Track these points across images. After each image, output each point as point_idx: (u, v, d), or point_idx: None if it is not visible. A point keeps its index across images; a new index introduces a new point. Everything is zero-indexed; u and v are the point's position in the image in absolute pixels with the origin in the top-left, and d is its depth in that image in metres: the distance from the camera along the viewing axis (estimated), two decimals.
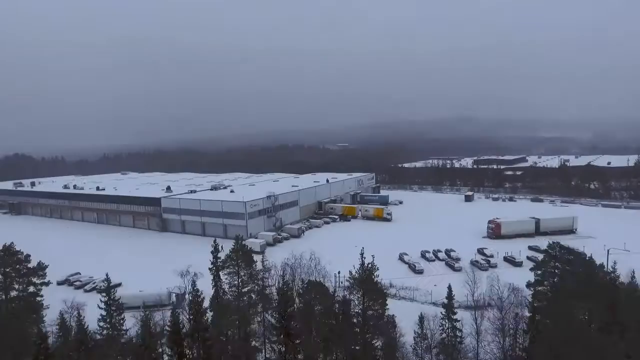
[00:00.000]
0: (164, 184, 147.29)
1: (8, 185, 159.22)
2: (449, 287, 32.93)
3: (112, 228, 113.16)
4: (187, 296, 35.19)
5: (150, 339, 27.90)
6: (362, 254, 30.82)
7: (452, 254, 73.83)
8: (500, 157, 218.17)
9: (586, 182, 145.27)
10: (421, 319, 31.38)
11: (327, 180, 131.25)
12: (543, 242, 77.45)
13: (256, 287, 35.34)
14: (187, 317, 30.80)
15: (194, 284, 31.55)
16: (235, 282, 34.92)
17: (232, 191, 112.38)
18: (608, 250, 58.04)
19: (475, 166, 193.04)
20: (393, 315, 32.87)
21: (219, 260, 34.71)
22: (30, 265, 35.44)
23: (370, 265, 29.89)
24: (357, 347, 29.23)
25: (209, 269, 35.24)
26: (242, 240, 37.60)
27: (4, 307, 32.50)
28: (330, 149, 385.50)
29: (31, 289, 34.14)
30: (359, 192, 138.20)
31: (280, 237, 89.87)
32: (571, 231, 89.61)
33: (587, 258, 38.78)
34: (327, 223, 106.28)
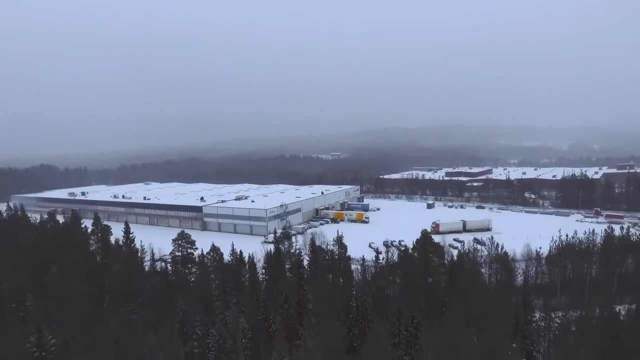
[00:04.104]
0: (191, 194, 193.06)
1: (63, 194, 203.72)
2: (376, 248, 79.23)
3: (163, 228, 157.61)
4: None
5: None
6: (337, 231, 76.90)
7: (402, 242, 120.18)
8: (468, 170, 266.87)
9: (524, 192, 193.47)
10: (363, 259, 77.72)
11: (322, 192, 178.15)
12: (464, 236, 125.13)
13: (290, 247, 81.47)
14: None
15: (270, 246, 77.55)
16: (283, 247, 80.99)
17: (252, 201, 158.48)
18: (482, 238, 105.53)
19: (445, 178, 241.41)
20: (349, 255, 79.66)
21: (277, 236, 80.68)
22: (190, 240, 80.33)
23: (341, 236, 76.02)
24: (337, 272, 74.73)
25: (272, 241, 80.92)
26: (274, 234, 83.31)
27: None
28: (324, 158, 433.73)
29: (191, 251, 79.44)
30: (346, 201, 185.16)
31: (289, 234, 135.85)
32: (488, 229, 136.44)
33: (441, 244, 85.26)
34: (322, 224, 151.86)
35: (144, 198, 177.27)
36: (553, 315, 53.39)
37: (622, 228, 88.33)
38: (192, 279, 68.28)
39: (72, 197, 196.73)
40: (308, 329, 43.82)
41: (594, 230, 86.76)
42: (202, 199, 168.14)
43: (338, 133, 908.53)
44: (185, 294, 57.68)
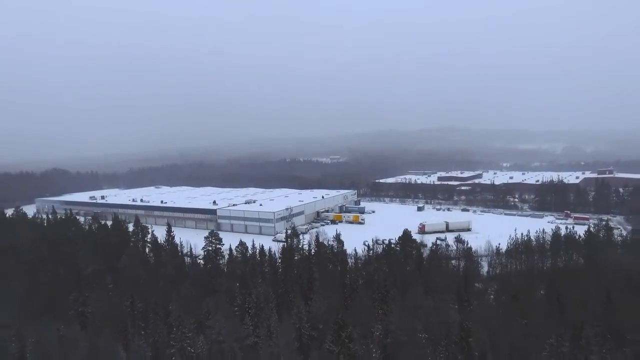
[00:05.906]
0: (202, 197, 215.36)
1: (84, 197, 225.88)
2: (368, 244, 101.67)
3: (179, 229, 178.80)
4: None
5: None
6: (336, 231, 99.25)
7: (391, 241, 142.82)
8: (459, 175, 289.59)
9: (506, 196, 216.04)
10: (355, 251, 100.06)
11: (322, 197, 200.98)
12: (446, 235, 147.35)
13: (299, 243, 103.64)
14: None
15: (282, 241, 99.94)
16: (293, 243, 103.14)
17: (260, 204, 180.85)
18: (454, 237, 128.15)
19: (436, 182, 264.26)
20: (345, 249, 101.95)
21: (288, 233, 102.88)
22: (218, 238, 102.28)
23: (339, 234, 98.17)
24: (336, 263, 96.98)
25: (281, 239, 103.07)
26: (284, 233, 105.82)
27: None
28: (324, 162, 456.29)
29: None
30: (344, 204, 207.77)
31: (297, 233, 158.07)
32: (468, 229, 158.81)
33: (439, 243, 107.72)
34: (323, 225, 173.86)
35: (161, 202, 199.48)
36: (490, 290, 76.23)
37: (567, 228, 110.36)
38: (224, 267, 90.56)
39: (93, 201, 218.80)
40: (316, 295, 66.43)
41: (543, 230, 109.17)
42: (214, 202, 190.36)
43: (337, 134, 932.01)
44: (223, 277, 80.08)
